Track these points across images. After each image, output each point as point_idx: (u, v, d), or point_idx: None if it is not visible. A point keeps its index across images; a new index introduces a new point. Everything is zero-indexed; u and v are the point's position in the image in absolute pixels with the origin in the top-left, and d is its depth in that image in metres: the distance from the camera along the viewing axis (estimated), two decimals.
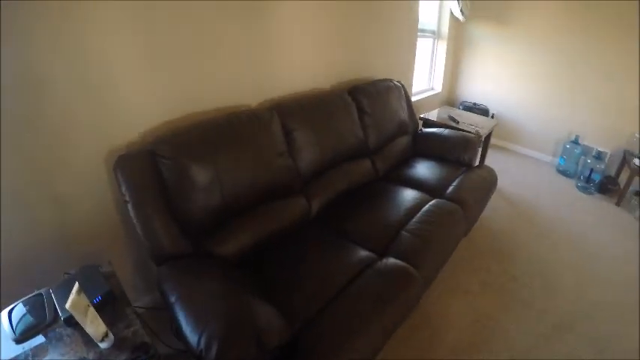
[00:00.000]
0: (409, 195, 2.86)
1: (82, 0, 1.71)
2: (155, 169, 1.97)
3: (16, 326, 1.46)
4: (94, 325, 1.35)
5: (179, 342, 1.78)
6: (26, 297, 1.60)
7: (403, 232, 2.43)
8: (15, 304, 1.57)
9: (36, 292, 1.63)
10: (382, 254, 2.29)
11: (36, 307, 1.55)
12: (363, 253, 2.25)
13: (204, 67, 2.34)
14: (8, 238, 1.78)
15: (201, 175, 1.98)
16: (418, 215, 2.59)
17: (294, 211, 2.49)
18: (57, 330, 1.47)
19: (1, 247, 1.78)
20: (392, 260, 2.18)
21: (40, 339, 1.44)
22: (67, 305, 1.28)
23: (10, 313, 1.52)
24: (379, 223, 2.53)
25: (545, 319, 2.61)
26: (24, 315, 1.51)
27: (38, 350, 1.40)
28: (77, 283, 1.38)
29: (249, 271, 2.06)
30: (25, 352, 1.39)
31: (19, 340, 1.41)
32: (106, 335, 1.39)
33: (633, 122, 4.35)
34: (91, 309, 1.37)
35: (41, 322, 1.49)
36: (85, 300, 1.36)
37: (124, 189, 1.89)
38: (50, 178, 1.85)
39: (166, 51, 2.11)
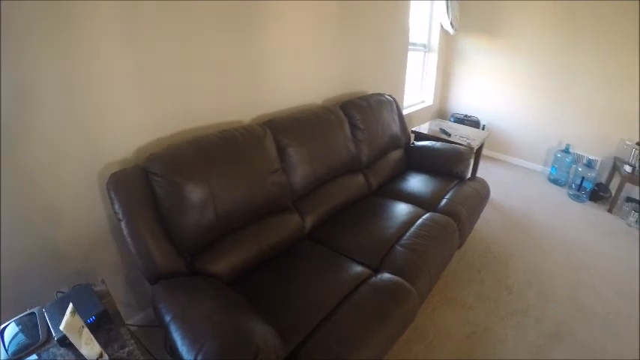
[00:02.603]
0: (402, 209, 2.86)
1: (75, 20, 1.72)
2: (148, 186, 1.96)
3: (9, 346, 1.44)
4: (89, 346, 1.34)
5: None
6: (19, 316, 1.58)
7: (397, 247, 2.43)
8: (7, 323, 1.55)
9: (28, 312, 1.60)
10: (377, 269, 2.29)
11: (28, 326, 1.54)
12: (358, 268, 2.25)
13: (196, 83, 2.35)
14: None
15: (194, 192, 1.97)
16: (412, 229, 2.59)
17: (288, 227, 2.49)
18: (50, 350, 1.45)
19: None
20: (387, 275, 2.17)
21: (33, 359, 1.41)
22: (62, 327, 1.27)
23: (2, 332, 1.50)
24: (373, 238, 2.53)
25: (540, 328, 2.62)
26: (16, 334, 1.50)
27: None
28: (71, 303, 1.37)
29: (244, 288, 2.05)
30: None
31: None
32: (100, 356, 1.37)
33: (622, 129, 4.43)
34: (86, 330, 1.36)
35: (34, 341, 1.47)
36: (79, 321, 1.35)
37: (117, 207, 1.88)
38: (41, 193, 1.84)
39: (158, 67, 2.12)
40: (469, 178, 3.56)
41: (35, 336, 1.49)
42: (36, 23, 1.62)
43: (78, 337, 1.32)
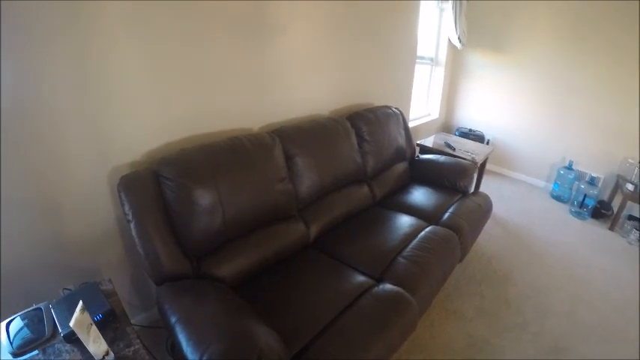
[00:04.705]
0: (405, 221, 2.88)
1: (85, 20, 1.75)
2: (158, 189, 1.99)
3: (14, 339, 1.46)
4: (96, 344, 1.36)
5: None
6: (25, 311, 1.61)
7: (399, 258, 2.44)
8: (13, 317, 1.57)
9: (35, 307, 1.63)
10: (379, 280, 2.31)
11: (34, 321, 1.56)
12: (360, 278, 2.27)
13: (207, 89, 2.38)
14: (7, 251, 1.79)
15: (203, 198, 2.00)
16: (414, 241, 2.61)
17: (293, 236, 2.51)
18: (56, 346, 1.47)
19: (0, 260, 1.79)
20: (388, 286, 2.19)
21: (38, 354, 1.43)
22: (71, 323, 1.29)
23: (7, 325, 1.52)
24: (376, 248, 2.55)
25: (539, 343, 2.63)
26: (22, 328, 1.52)
27: None
28: (81, 301, 1.39)
29: (248, 293, 2.07)
30: None
31: (16, 354, 1.41)
32: (106, 354, 1.40)
33: (626, 147, 4.46)
34: (94, 327, 1.38)
35: (40, 336, 1.49)
36: (88, 318, 1.38)
37: (127, 208, 1.91)
38: (51, 192, 1.87)
39: (170, 71, 2.15)
40: (472, 193, 3.58)
41: (41, 331, 1.51)
42: (50, 24, 1.65)
43: (86, 335, 1.34)
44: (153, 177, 2.00)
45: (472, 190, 3.64)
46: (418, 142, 4.51)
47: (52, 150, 1.81)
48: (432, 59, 5.49)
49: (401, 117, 3.75)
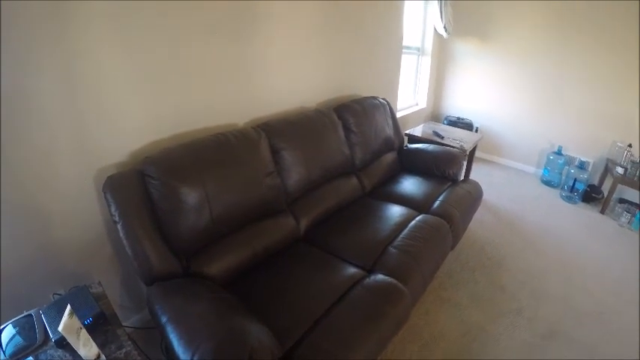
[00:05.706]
0: (396, 211, 2.88)
1: (72, 20, 1.73)
2: (144, 189, 1.97)
3: (6, 347, 1.45)
4: (87, 348, 1.36)
5: None
6: (16, 318, 1.60)
7: (390, 248, 2.45)
8: (4, 325, 1.56)
9: (25, 313, 1.62)
10: (370, 271, 2.31)
11: (26, 328, 1.55)
12: (352, 270, 2.27)
13: (192, 86, 2.36)
14: None
15: (189, 195, 1.98)
16: (405, 231, 2.61)
17: (283, 230, 2.50)
18: (48, 352, 1.46)
19: None
20: (380, 276, 2.19)
21: None
22: (60, 328, 1.29)
23: None
24: (367, 239, 2.55)
25: (534, 328, 2.64)
26: (14, 336, 1.51)
27: None
28: (69, 305, 1.38)
29: (239, 290, 2.06)
30: None
31: None
32: (98, 357, 1.39)
33: (614, 131, 4.50)
34: (84, 331, 1.38)
35: (32, 343, 1.48)
36: (77, 322, 1.37)
37: (113, 209, 1.89)
38: (38, 196, 1.84)
39: (154, 70, 2.13)
40: (462, 180, 3.59)
41: (32, 338, 1.50)
42: (35, 25, 1.63)
43: (76, 339, 1.33)
44: (138, 177, 1.99)
45: (462, 177, 3.65)
46: (407, 131, 4.51)
47: (38, 152, 1.79)
48: (418, 49, 5.48)
49: (388, 107, 3.75)
